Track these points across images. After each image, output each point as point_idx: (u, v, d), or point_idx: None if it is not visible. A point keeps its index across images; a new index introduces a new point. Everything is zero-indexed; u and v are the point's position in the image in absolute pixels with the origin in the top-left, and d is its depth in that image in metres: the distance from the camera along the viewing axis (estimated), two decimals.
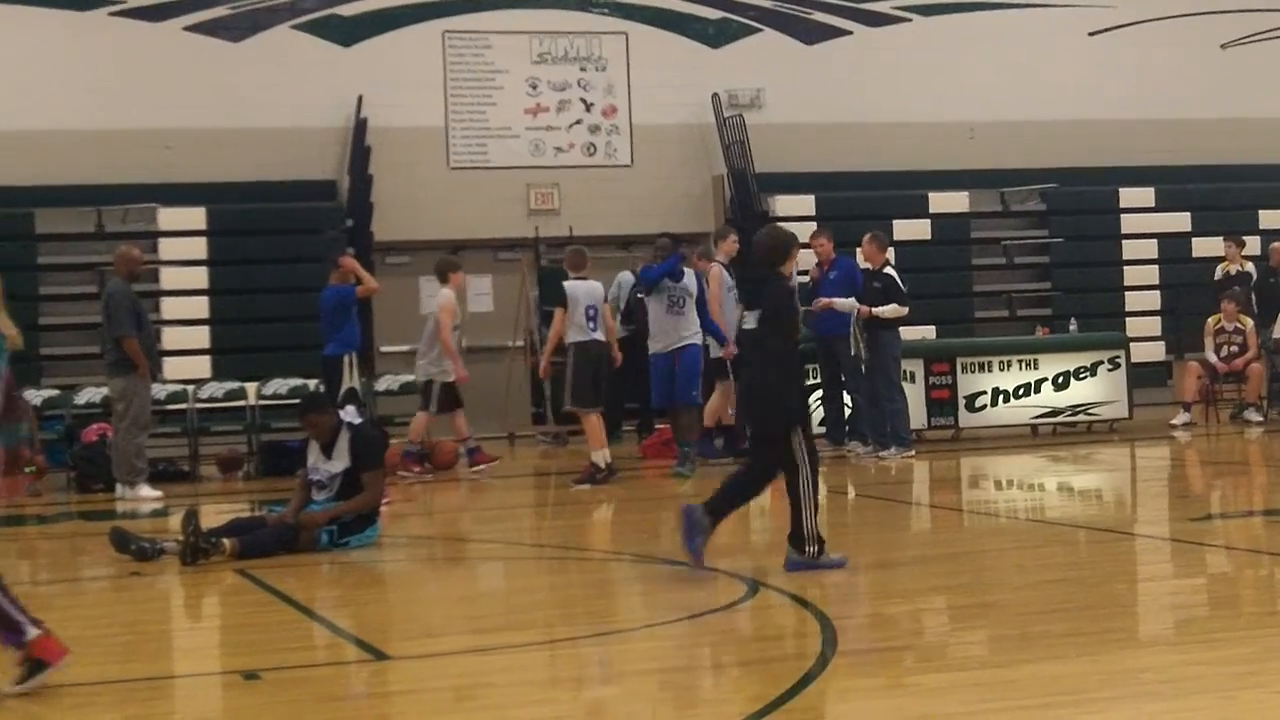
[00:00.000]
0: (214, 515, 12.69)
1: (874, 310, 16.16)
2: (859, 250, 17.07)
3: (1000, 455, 17.09)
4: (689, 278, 15.65)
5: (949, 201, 23.29)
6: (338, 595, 9.70)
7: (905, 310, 16.42)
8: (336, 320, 15.63)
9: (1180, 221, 23.76)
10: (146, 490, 15.25)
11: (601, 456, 14.79)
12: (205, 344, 20.56)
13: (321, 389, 15.89)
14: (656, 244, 16.20)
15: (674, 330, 15.51)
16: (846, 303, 16.19)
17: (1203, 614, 8.08)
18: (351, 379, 15.40)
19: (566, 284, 15.06)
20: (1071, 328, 20.49)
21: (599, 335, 14.92)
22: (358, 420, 11.21)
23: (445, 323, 16.06)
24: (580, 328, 14.82)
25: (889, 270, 16.56)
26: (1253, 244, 22.29)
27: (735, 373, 16.04)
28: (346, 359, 15.46)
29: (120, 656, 7.70)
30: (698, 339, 15.60)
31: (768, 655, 7.36)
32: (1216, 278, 20.90)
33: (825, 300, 16.20)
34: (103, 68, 21.17)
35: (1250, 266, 21.00)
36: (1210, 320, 19.88)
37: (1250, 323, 19.67)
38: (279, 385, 18.20)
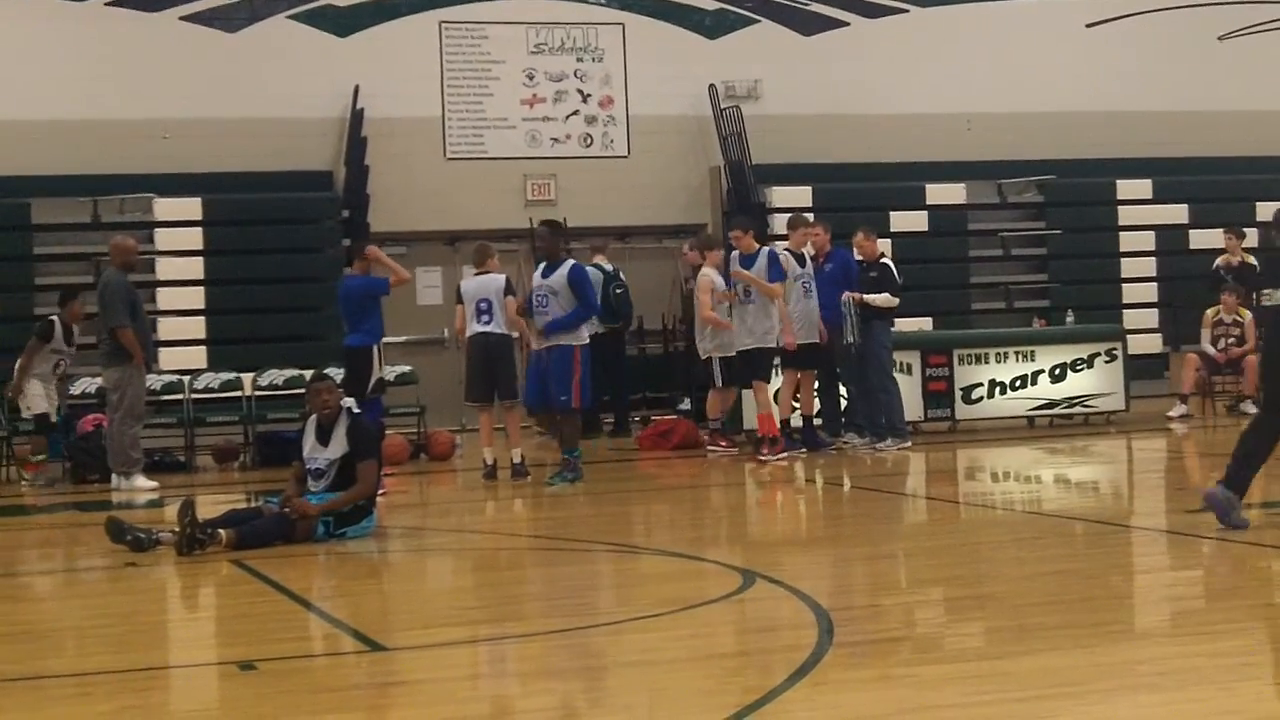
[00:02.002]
0: (210, 506, 12.67)
1: (865, 297, 16.19)
2: (854, 243, 17.04)
3: (997, 447, 17.09)
4: (557, 275, 14.36)
5: (946, 193, 23.29)
6: (334, 586, 9.69)
7: (896, 301, 16.46)
8: (366, 309, 15.51)
9: (1178, 213, 23.76)
10: (142, 481, 15.24)
11: (489, 454, 14.89)
12: (201, 334, 20.56)
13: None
14: (536, 233, 15.23)
15: (535, 332, 14.53)
16: (882, 298, 16.24)
17: (1200, 606, 8.07)
18: (381, 369, 15.38)
19: (461, 282, 15.40)
20: (1068, 320, 20.48)
21: (490, 328, 14.88)
22: (358, 410, 11.20)
23: (704, 300, 16.16)
24: (470, 322, 14.90)
25: (885, 260, 16.64)
26: (1250, 236, 22.27)
27: (805, 362, 16.14)
28: (376, 349, 15.41)
29: (116, 647, 7.69)
30: (570, 339, 14.24)
31: (764, 646, 7.35)
32: (1216, 265, 20.82)
33: (858, 296, 16.20)
34: (98, 58, 21.14)
35: (1253, 259, 20.94)
36: (1209, 312, 19.86)
37: (1249, 315, 19.64)
38: (275, 376, 18.17)
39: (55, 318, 16.91)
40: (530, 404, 15.23)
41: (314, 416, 11.11)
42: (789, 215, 17.92)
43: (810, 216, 18.08)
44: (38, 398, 16.55)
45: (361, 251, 15.48)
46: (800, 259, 16.39)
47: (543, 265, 14.59)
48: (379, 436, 11.43)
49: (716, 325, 16.12)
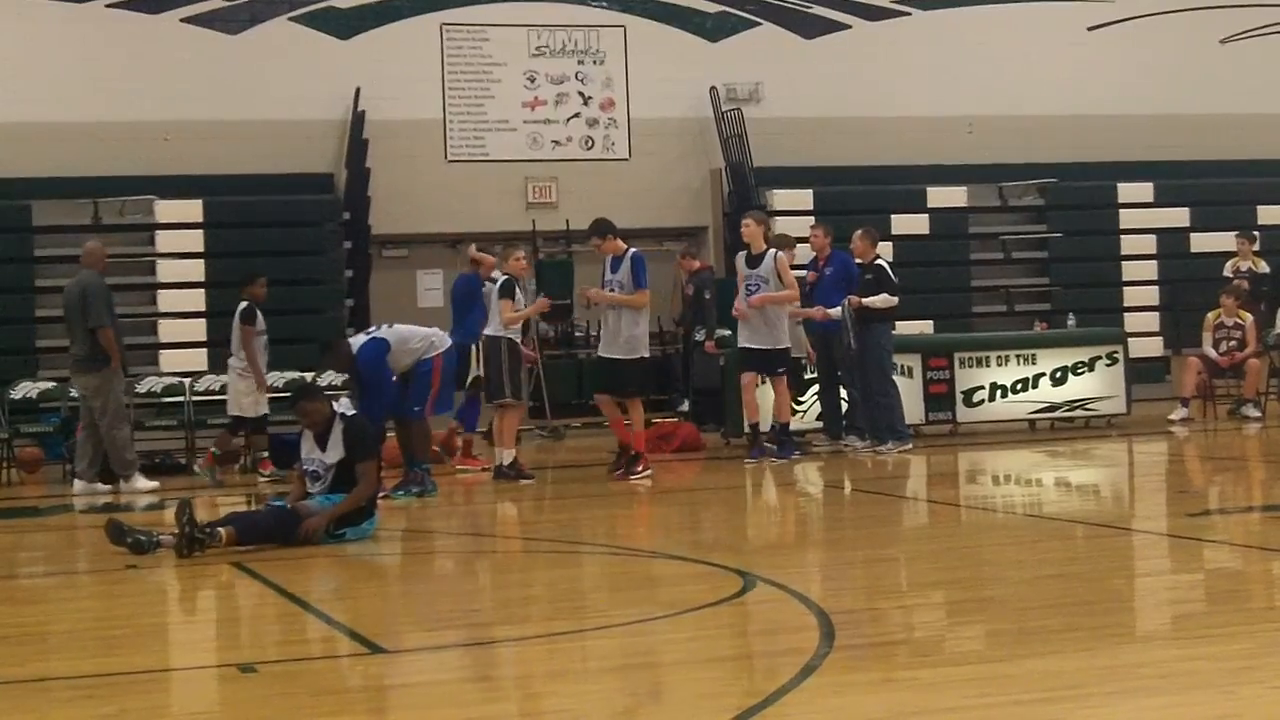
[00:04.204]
0: (211, 509, 12.68)
1: (864, 300, 16.16)
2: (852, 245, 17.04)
3: (998, 450, 17.07)
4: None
5: (947, 196, 23.29)
6: (334, 588, 9.68)
7: (895, 301, 16.43)
8: (467, 307, 15.74)
9: (1179, 217, 23.77)
10: (143, 482, 15.18)
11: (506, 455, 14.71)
12: (202, 337, 20.56)
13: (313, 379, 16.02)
14: None
15: None
16: (880, 299, 16.18)
17: (1201, 609, 8.07)
18: (477, 367, 15.42)
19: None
20: (1070, 323, 20.48)
21: (485, 330, 14.94)
22: (351, 411, 11.16)
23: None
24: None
25: (880, 262, 16.59)
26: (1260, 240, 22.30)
27: (759, 365, 15.65)
28: (473, 348, 15.51)
29: (117, 649, 7.69)
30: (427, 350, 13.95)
31: (764, 649, 7.35)
32: (1226, 273, 20.80)
33: (823, 312, 16.13)
34: (100, 60, 21.15)
35: (1264, 265, 20.93)
36: (1210, 315, 19.84)
37: (1250, 318, 19.64)
38: (276, 378, 18.13)
39: (247, 300, 16.28)
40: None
41: None
42: (747, 211, 16.76)
43: (812, 221, 18.06)
44: (249, 398, 16.00)
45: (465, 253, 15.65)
46: (753, 259, 15.63)
47: None
48: (377, 437, 11.37)
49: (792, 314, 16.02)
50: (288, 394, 17.47)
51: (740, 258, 15.85)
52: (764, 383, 16.15)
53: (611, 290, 14.72)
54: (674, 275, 21.84)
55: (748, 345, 15.67)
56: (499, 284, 14.93)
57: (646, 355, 14.95)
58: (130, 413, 17.05)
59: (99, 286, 15.25)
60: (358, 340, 14.07)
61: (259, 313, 16.18)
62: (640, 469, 14.64)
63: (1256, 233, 21.68)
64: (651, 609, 8.27)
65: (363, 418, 11.32)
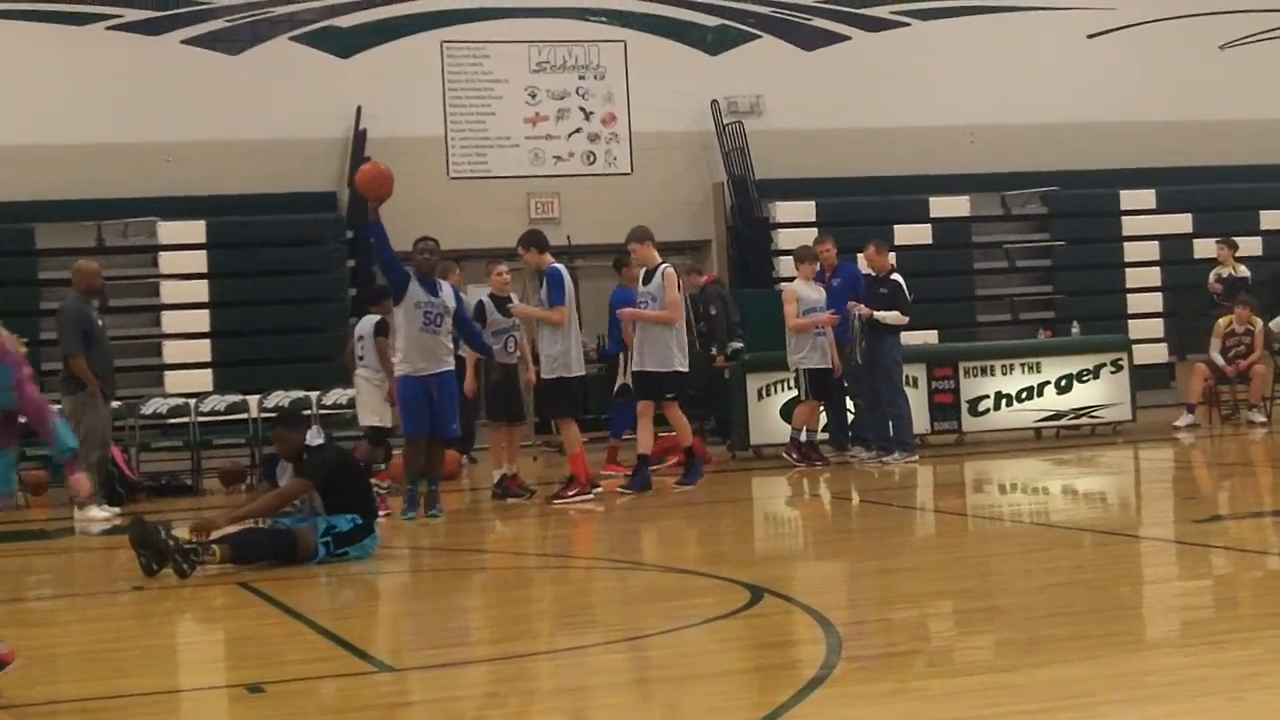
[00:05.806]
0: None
1: (875, 314, 16.14)
2: (860, 256, 17.03)
3: (1004, 459, 17.08)
4: (445, 291, 13.56)
5: (950, 206, 23.30)
6: (341, 607, 9.67)
7: (906, 319, 16.40)
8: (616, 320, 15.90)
9: (1181, 223, 23.77)
10: (95, 511, 14.86)
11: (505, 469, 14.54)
12: (206, 357, 20.59)
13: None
14: (418, 247, 13.97)
15: (427, 353, 13.29)
16: (892, 315, 16.16)
17: (1208, 616, 8.06)
18: (625, 376, 15.44)
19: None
20: (1074, 330, 20.48)
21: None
22: (318, 441, 11.11)
23: (789, 311, 16.21)
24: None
25: (895, 276, 16.49)
26: (1255, 245, 22.29)
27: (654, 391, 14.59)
28: (620, 357, 15.61)
29: (123, 671, 7.68)
30: (452, 364, 13.61)
31: (773, 661, 7.34)
32: (1211, 281, 20.73)
33: (866, 311, 16.15)
34: (101, 82, 21.20)
35: (1244, 269, 20.91)
36: (1221, 321, 19.78)
37: (1260, 323, 19.63)
38: (281, 397, 18.16)
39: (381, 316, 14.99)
40: (410, 431, 13.60)
41: None
42: (630, 236, 15.23)
43: (816, 233, 18.04)
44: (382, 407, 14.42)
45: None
46: (647, 275, 14.65)
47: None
48: (326, 466, 11.07)
49: (802, 329, 16.08)
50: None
51: (642, 273, 15.13)
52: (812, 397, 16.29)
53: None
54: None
55: (637, 369, 14.71)
56: (473, 306, 14.95)
57: (570, 375, 13.99)
58: (136, 434, 17.07)
59: (72, 312, 15.11)
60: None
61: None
62: (571, 494, 13.94)
63: (1237, 240, 21.58)
64: (659, 623, 8.26)
65: (334, 450, 11.20)
